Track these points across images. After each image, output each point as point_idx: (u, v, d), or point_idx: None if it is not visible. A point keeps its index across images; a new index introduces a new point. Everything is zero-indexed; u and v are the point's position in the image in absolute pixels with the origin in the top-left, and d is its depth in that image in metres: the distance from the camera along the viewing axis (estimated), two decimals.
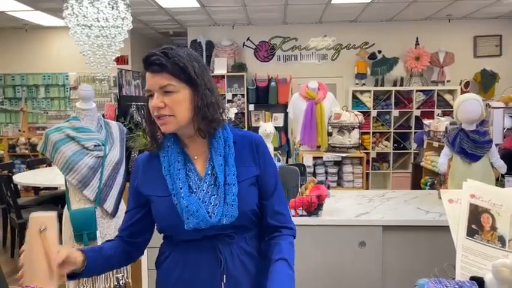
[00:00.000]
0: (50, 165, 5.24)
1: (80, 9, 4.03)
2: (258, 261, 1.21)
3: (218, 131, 1.18)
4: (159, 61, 1.09)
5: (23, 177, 4.57)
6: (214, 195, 1.14)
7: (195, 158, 1.19)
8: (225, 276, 1.15)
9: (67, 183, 2.25)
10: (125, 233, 1.25)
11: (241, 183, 1.16)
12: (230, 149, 1.18)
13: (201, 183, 1.15)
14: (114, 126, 2.42)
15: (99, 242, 2.20)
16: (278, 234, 1.22)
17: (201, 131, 1.15)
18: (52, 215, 1.01)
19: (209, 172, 1.16)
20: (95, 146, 2.22)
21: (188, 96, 1.12)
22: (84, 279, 2.23)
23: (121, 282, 1.19)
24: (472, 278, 0.98)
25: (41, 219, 1.00)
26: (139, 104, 2.83)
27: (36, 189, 5.21)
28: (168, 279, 1.22)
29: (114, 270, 2.30)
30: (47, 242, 0.99)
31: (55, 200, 4.60)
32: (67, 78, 7.28)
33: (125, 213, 1.27)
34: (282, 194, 1.26)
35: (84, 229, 2.16)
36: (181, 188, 1.13)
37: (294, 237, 1.26)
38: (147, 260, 2.40)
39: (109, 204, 2.26)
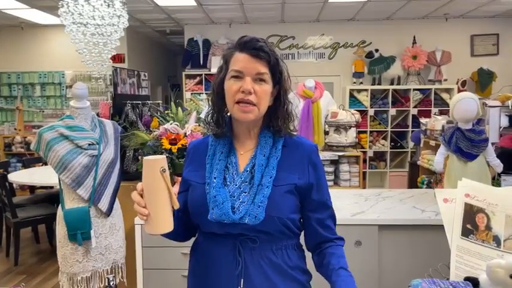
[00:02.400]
0: (45, 164, 5.22)
1: (76, 7, 4.01)
2: (288, 276, 1.16)
3: (269, 131, 1.19)
4: (265, 49, 1.10)
5: (19, 176, 4.54)
6: (245, 192, 1.12)
7: (241, 153, 1.19)
8: (242, 280, 1.12)
9: (61, 183, 2.23)
10: (179, 213, 1.25)
11: (277, 187, 1.12)
12: (277, 151, 1.16)
13: (236, 178, 1.15)
14: (109, 124, 2.40)
15: (93, 241, 2.19)
16: (333, 244, 1.20)
17: (280, 128, 1.17)
18: (164, 156, 1.06)
19: (248, 169, 1.15)
20: (89, 144, 2.21)
21: (272, 91, 1.15)
22: (79, 278, 2.22)
23: (111, 283, 1.17)
24: (467, 279, 0.98)
25: (160, 161, 1.03)
26: (134, 102, 2.81)
27: (32, 188, 5.18)
28: (195, 268, 1.23)
29: (109, 269, 2.29)
30: (167, 181, 1.03)
31: (51, 199, 4.58)
32: (63, 77, 7.25)
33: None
34: (330, 205, 1.23)
35: (78, 228, 2.14)
36: (215, 178, 1.14)
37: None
38: (142, 260, 2.39)
39: (103, 204, 2.24)
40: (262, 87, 1.11)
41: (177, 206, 1.05)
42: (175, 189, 1.11)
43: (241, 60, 1.11)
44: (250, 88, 1.09)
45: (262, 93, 1.11)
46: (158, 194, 1.02)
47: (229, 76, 1.13)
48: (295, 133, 1.23)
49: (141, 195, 1.03)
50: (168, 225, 1.04)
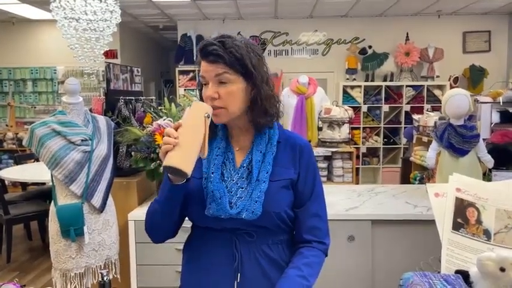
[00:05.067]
0: (37, 160, 5.18)
1: (68, 1, 3.97)
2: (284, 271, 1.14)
3: (265, 128, 1.17)
4: (216, 51, 1.08)
5: (10, 173, 4.51)
6: (242, 188, 1.13)
7: (237, 149, 1.19)
8: (239, 274, 1.12)
9: (53, 179, 2.22)
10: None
11: (273, 183, 1.13)
12: (272, 147, 1.16)
13: (233, 173, 1.15)
14: (102, 120, 2.38)
15: (87, 237, 2.18)
16: (306, 245, 1.17)
17: (259, 124, 1.15)
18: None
19: (244, 165, 1.15)
20: (81, 140, 2.19)
21: (243, 88, 1.12)
22: (72, 275, 2.21)
23: (105, 278, 1.17)
24: (457, 272, 0.99)
25: (208, 108, 1.04)
26: (127, 98, 2.80)
27: (24, 185, 5.14)
28: (190, 263, 1.22)
29: (102, 265, 2.28)
30: (207, 128, 1.03)
31: (43, 195, 4.55)
32: (55, 72, 7.19)
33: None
34: (320, 205, 1.20)
35: (71, 225, 2.13)
36: (212, 173, 1.14)
37: (325, 254, 1.19)
38: (135, 256, 2.39)
39: (96, 200, 2.23)
40: (226, 88, 1.10)
41: (205, 155, 1.04)
42: None
43: (202, 67, 1.11)
44: (211, 94, 1.09)
45: (226, 94, 1.10)
46: (194, 133, 1.01)
47: (202, 83, 1.15)
48: (280, 122, 1.23)
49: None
50: (189, 166, 1.00)
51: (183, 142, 0.99)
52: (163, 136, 1.02)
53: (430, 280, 0.92)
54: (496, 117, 3.31)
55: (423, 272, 0.97)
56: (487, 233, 1.08)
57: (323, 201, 1.22)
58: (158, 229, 1.20)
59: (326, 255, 1.20)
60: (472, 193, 1.12)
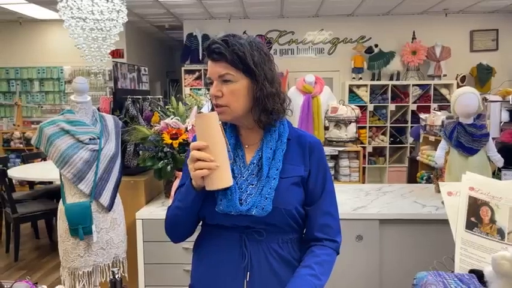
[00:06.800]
0: (45, 159, 5.21)
1: (75, 1, 3.99)
2: (294, 269, 1.14)
3: (269, 126, 1.17)
4: (219, 50, 1.10)
5: (18, 172, 4.53)
6: (252, 184, 1.13)
7: (247, 146, 1.20)
8: (248, 273, 1.12)
9: (62, 177, 2.23)
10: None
11: (283, 179, 1.13)
12: (282, 144, 1.17)
13: (243, 170, 1.16)
14: (109, 119, 2.39)
15: (95, 236, 2.19)
16: (318, 243, 1.16)
17: (261, 122, 1.15)
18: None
19: (254, 162, 1.16)
20: (90, 139, 2.20)
21: (246, 86, 1.13)
22: (81, 273, 2.22)
23: (116, 276, 1.17)
24: (471, 271, 0.98)
25: (214, 114, 1.07)
26: (134, 97, 2.80)
27: (31, 184, 5.18)
28: (199, 263, 1.22)
29: (110, 264, 2.29)
30: (224, 134, 1.06)
31: (50, 194, 4.58)
32: (62, 72, 7.23)
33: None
34: (331, 203, 1.20)
35: (79, 223, 2.13)
36: None
37: (337, 252, 1.19)
38: (143, 255, 2.39)
39: (105, 198, 2.23)
40: (229, 87, 1.12)
41: (231, 159, 1.08)
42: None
43: (208, 67, 1.14)
44: (214, 92, 1.12)
45: (229, 93, 1.11)
46: (222, 146, 1.04)
47: (208, 82, 1.17)
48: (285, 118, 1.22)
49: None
50: (231, 179, 1.05)
51: (219, 162, 1.03)
52: (192, 159, 1.04)
53: (445, 280, 0.91)
54: (505, 116, 3.29)
55: (437, 271, 0.96)
56: (500, 232, 1.07)
57: (334, 199, 1.22)
58: (182, 231, 1.22)
59: (338, 254, 1.20)
60: (485, 192, 1.10)
